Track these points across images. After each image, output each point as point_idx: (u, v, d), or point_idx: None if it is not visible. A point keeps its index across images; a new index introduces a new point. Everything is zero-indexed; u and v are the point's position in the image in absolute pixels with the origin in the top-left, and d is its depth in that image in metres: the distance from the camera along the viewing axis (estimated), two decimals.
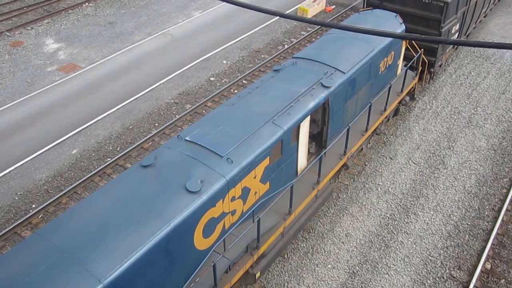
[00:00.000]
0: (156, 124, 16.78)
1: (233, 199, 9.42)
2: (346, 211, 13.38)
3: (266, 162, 10.06)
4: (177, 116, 17.05)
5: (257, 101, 10.88)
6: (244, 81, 18.85)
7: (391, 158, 15.19)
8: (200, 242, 8.90)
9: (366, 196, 13.87)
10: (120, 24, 23.80)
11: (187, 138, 9.73)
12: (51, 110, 17.49)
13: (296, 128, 10.84)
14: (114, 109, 17.49)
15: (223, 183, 8.96)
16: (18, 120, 16.98)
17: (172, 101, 17.97)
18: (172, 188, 8.61)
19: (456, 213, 13.26)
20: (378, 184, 14.25)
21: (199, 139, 9.66)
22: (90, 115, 17.18)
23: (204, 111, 17.19)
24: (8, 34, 22.77)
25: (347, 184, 14.24)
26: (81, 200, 8.90)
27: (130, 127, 16.67)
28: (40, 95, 18.35)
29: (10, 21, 23.95)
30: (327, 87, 11.58)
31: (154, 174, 8.93)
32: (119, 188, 8.73)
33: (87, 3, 26.02)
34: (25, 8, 25.24)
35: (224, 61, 20.45)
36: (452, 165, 14.90)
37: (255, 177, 9.89)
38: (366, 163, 14.99)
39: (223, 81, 19.12)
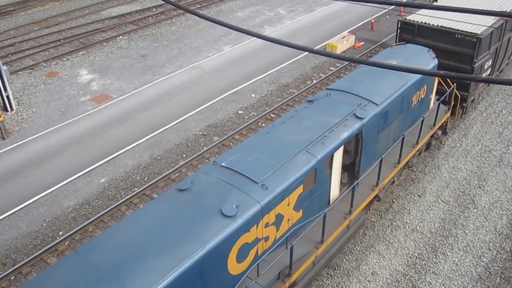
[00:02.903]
0: (184, 156, 16.93)
1: (266, 225, 9.48)
2: (372, 249, 13.11)
3: (300, 190, 10.15)
4: (204, 148, 17.19)
5: (291, 130, 11.08)
6: (272, 115, 18.96)
7: (419, 196, 14.92)
8: (233, 266, 8.93)
9: (393, 234, 13.59)
10: (152, 56, 24.38)
11: (223, 164, 9.92)
12: (82, 139, 17.86)
13: (330, 157, 10.92)
14: (144, 139, 17.75)
15: (257, 208, 9.06)
16: (50, 148, 17.36)
17: (200, 133, 18.16)
18: (208, 212, 8.77)
19: (487, 255, 12.86)
20: (406, 222, 13.97)
21: (234, 165, 9.84)
22: (120, 145, 17.46)
23: (231, 143, 17.30)
24: (44, 64, 23.55)
25: (374, 221, 14.00)
26: (120, 221, 9.15)
27: (158, 158, 16.86)
28: (72, 124, 18.78)
29: (47, 52, 24.80)
30: (361, 118, 11.68)
31: (191, 198, 9.13)
32: (157, 210, 8.97)
33: (121, 36, 26.82)
34: (62, 40, 26.13)
35: (253, 95, 20.66)
36: (483, 204, 14.54)
37: (288, 204, 9.97)
38: (394, 200, 14.75)
39: (251, 114, 19.28)
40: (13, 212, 14.51)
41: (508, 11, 18.07)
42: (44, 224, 14.12)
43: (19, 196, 15.10)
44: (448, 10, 6.14)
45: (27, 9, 31.38)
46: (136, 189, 15.32)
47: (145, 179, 15.88)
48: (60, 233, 13.82)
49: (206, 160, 16.46)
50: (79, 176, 15.95)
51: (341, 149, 11.29)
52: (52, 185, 15.53)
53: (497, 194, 14.92)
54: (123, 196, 15.10)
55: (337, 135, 11.11)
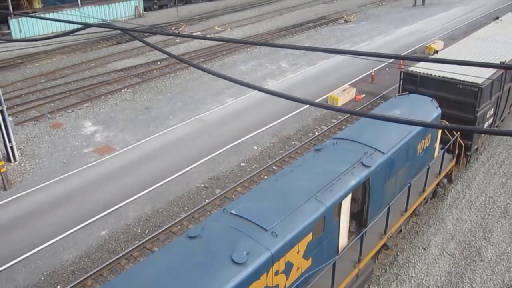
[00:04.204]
0: (186, 208, 16.82)
1: (276, 273, 9.43)
2: None
3: (309, 237, 10.17)
4: (206, 200, 17.10)
5: (300, 178, 11.22)
6: (274, 167, 18.96)
7: (424, 249, 14.68)
8: None
9: None
10: (156, 109, 24.69)
11: (232, 212, 10.00)
12: (84, 190, 17.81)
13: (338, 205, 10.99)
14: (145, 191, 17.69)
15: (267, 256, 9.06)
16: (52, 199, 17.29)
17: (203, 185, 18.11)
18: (218, 259, 8.80)
19: None
20: (411, 276, 13.67)
21: (244, 212, 9.91)
22: (121, 197, 17.38)
23: (233, 196, 17.21)
24: (49, 116, 23.85)
25: (378, 276, 13.71)
26: (130, 268, 9.25)
27: (160, 210, 16.75)
28: (75, 175, 18.79)
29: (53, 104, 25.16)
30: (368, 166, 11.82)
31: (201, 245, 9.18)
32: (167, 257, 9.04)
33: (126, 89, 27.27)
34: (67, 92, 26.58)
35: (255, 147, 20.75)
36: (489, 257, 14.27)
37: (298, 252, 9.96)
38: (398, 254, 14.50)
39: (253, 166, 19.28)
40: (11, 265, 14.29)
41: (507, 61, 18.43)
42: (42, 278, 13.87)
43: (19, 248, 14.92)
44: (446, 62, 6.23)
45: (35, 61, 32.14)
46: (136, 242, 15.13)
47: (146, 232, 15.72)
48: (58, 287, 13.54)
49: (208, 213, 16.33)
50: (79, 228, 15.80)
51: (349, 197, 11.38)
52: (52, 237, 15.37)
53: (504, 246, 14.68)
54: (124, 249, 14.90)
55: (345, 183, 11.23)
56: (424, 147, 14.66)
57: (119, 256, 14.32)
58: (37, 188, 17.93)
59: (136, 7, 44.41)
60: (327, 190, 10.85)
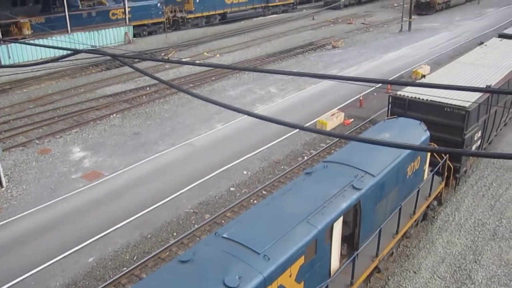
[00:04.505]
0: (175, 234, 16.66)
1: None
2: None
3: (301, 261, 10.14)
4: (196, 226, 16.96)
5: (291, 201, 11.25)
6: (264, 192, 18.92)
7: (414, 272, 14.62)
8: None
9: None
10: (145, 134, 24.64)
11: (224, 235, 9.96)
12: (71, 216, 17.59)
13: (330, 228, 11.00)
14: (134, 217, 17.51)
15: (260, 279, 9.01)
16: (39, 226, 17.03)
17: (192, 210, 17.99)
18: (210, 283, 8.73)
19: None
20: None
21: (236, 236, 9.88)
22: (110, 223, 17.17)
23: (223, 221, 17.10)
24: (37, 142, 23.68)
25: None
26: None
27: (149, 236, 16.57)
28: (62, 201, 18.58)
29: (41, 130, 25.01)
30: (359, 189, 11.89)
31: (193, 269, 9.12)
32: (159, 281, 8.98)
33: (115, 114, 27.22)
34: (56, 118, 26.46)
35: (245, 172, 20.72)
36: (480, 280, 14.24)
37: (290, 276, 9.91)
38: (389, 277, 14.42)
39: (243, 191, 19.23)
40: None
41: (493, 85, 18.75)
42: None
43: (4, 276, 14.62)
44: (434, 87, 6.34)
45: (24, 87, 32.06)
46: (125, 268, 14.91)
47: (135, 258, 15.52)
48: None
49: (198, 238, 16.19)
50: (67, 255, 15.56)
51: (341, 219, 11.40)
52: (39, 265, 15.10)
53: (494, 269, 14.68)
54: (111, 276, 14.67)
55: (336, 205, 11.26)
56: (414, 170, 14.77)
57: (106, 283, 14.10)
58: (23, 215, 17.68)
59: (126, 33, 44.67)
60: (318, 213, 10.86)
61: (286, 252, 9.75)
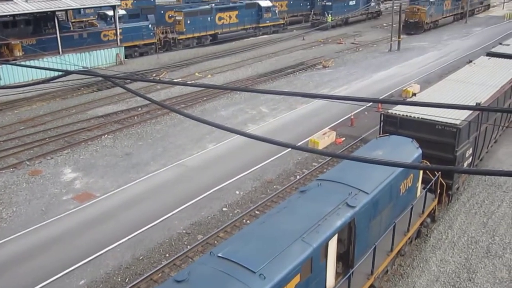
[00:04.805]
0: (167, 255, 16.50)
1: None
2: None
3: (297, 279, 10.12)
4: (188, 246, 16.83)
5: (286, 220, 11.26)
6: (256, 212, 18.84)
7: None
8: None
9: None
10: (137, 155, 24.55)
11: (219, 255, 9.94)
12: (63, 239, 17.39)
13: (325, 246, 11.02)
14: (126, 238, 17.35)
15: None
16: (30, 248, 16.82)
17: (184, 231, 17.86)
18: None
19: None
20: None
21: (231, 255, 9.86)
22: (101, 245, 16.99)
23: (216, 241, 16.97)
24: (28, 163, 23.50)
25: None
26: None
27: (141, 258, 16.39)
28: (53, 223, 18.38)
29: (32, 151, 24.84)
30: (353, 207, 11.93)
31: None
32: None
33: (106, 135, 27.14)
34: (47, 139, 26.33)
35: (237, 192, 20.65)
36: None
37: None
38: None
39: (235, 211, 19.14)
40: None
41: (482, 102, 18.97)
42: None
43: None
44: (423, 105, 6.39)
45: (14, 108, 31.94)
46: None
47: (127, 280, 15.33)
48: None
49: (190, 260, 16.04)
50: (57, 278, 15.35)
51: (336, 237, 11.41)
52: None
53: (488, 286, 14.64)
54: None
55: (331, 223, 11.29)
56: (407, 187, 14.85)
57: None
58: (13, 237, 17.45)
59: (117, 54, 44.81)
60: (313, 231, 10.88)
61: (282, 270, 9.71)
